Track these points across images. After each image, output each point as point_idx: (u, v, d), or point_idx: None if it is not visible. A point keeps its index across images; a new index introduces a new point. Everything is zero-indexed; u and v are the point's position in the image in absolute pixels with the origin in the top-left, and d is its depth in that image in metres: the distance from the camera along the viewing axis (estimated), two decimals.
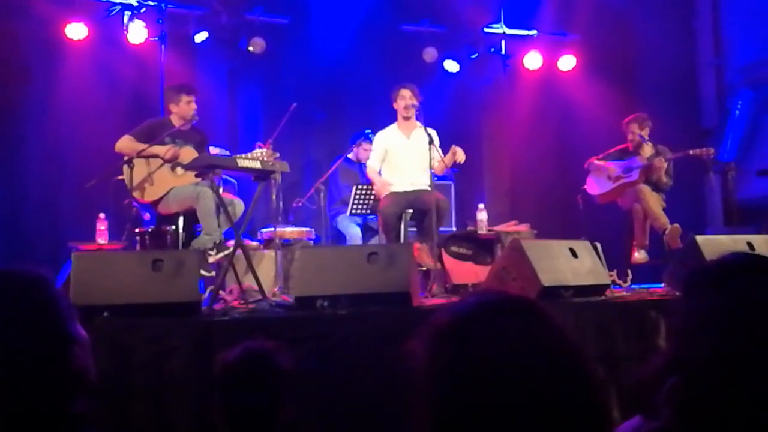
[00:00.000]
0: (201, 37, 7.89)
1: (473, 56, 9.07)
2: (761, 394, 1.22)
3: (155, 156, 5.59)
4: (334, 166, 7.11)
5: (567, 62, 9.19)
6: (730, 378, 1.24)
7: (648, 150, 6.95)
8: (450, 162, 6.04)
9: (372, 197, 6.54)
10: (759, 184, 8.83)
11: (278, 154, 5.10)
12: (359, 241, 6.81)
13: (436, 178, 5.86)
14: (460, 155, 5.98)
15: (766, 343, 1.24)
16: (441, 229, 6.20)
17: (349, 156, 7.36)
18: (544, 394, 1.07)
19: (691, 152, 6.74)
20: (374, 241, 6.74)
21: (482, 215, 6.73)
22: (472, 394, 1.08)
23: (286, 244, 6.09)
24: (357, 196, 6.60)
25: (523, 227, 6.75)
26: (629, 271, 5.94)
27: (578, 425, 1.08)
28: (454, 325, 1.15)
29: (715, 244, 4.93)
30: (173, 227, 5.67)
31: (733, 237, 5.41)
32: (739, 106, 8.93)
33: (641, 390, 1.42)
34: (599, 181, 7.13)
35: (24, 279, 1.50)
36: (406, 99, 6.16)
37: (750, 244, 5.01)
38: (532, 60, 9.16)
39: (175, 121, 5.80)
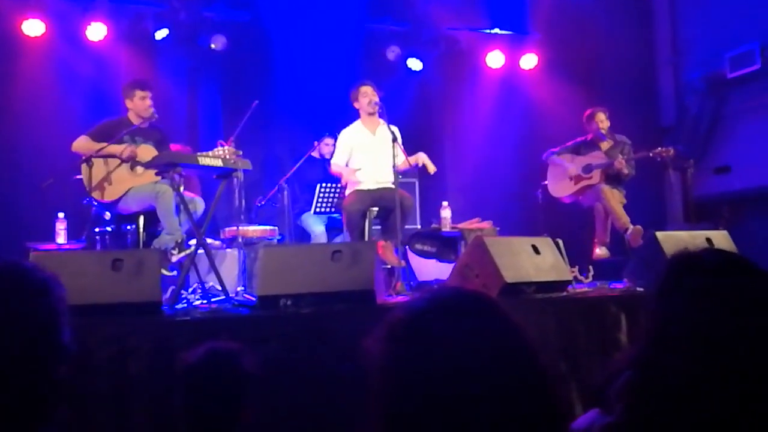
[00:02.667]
0: (161, 34, 7.79)
1: (436, 55, 9.09)
2: (722, 396, 1.23)
3: (112, 155, 5.49)
4: (298, 164, 7.07)
5: (529, 61, 9.27)
6: (695, 379, 1.25)
7: (607, 144, 7.04)
8: (414, 162, 6.05)
9: (336, 195, 6.52)
10: (717, 181, 8.99)
11: (241, 152, 5.06)
12: (324, 240, 6.78)
13: (400, 176, 5.86)
14: (430, 167, 6.03)
15: (737, 348, 1.25)
16: (406, 226, 6.21)
17: (313, 154, 7.33)
18: (497, 389, 1.07)
19: (651, 154, 6.84)
20: (339, 239, 6.72)
21: (446, 213, 6.75)
22: (424, 390, 1.08)
23: (250, 242, 6.05)
24: (321, 195, 6.58)
25: (486, 224, 6.79)
26: (591, 267, 6.01)
27: (532, 421, 1.09)
28: (408, 322, 1.15)
29: (674, 240, 5.00)
30: (133, 226, 5.60)
31: (692, 233, 5.50)
32: (696, 105, 9.07)
33: (601, 384, 1.43)
34: (560, 181, 7.19)
35: (35, 281, 1.47)
36: (369, 95, 6.15)
37: (709, 240, 5.10)
38: (495, 59, 9.22)
39: (133, 118, 5.70)
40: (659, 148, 6.81)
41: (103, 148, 5.40)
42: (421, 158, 6.10)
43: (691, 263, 1.39)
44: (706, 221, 8.30)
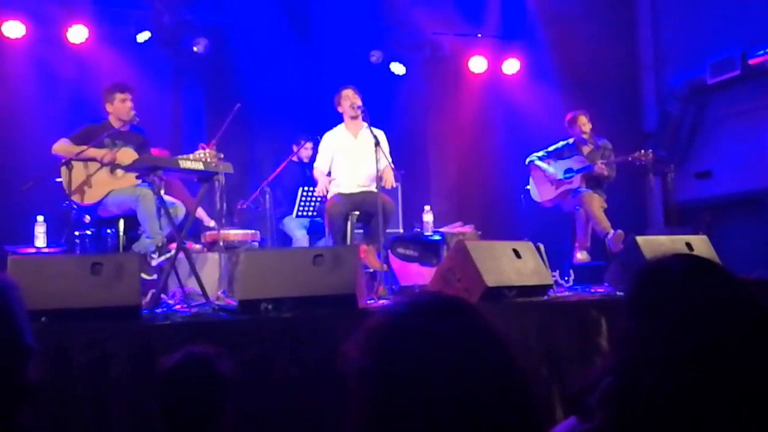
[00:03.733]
0: (143, 37, 7.75)
1: (419, 59, 9.10)
2: (698, 401, 1.24)
3: (92, 159, 5.45)
4: (280, 168, 7.05)
5: (511, 66, 9.32)
6: (670, 387, 1.25)
7: (588, 148, 7.08)
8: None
9: (318, 199, 6.51)
10: (697, 186, 9.06)
11: (222, 155, 5.04)
12: (306, 244, 6.77)
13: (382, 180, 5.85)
14: (388, 181, 5.90)
15: (709, 354, 1.26)
16: (387, 231, 6.19)
17: (293, 158, 7.31)
18: (475, 394, 1.07)
19: (630, 158, 6.88)
20: (321, 243, 6.70)
21: (428, 217, 6.76)
22: (402, 395, 1.08)
23: (231, 246, 6.02)
24: (303, 199, 6.56)
25: (468, 228, 6.80)
26: (571, 272, 6.03)
27: (510, 426, 1.09)
28: (387, 326, 1.15)
29: (655, 244, 5.03)
30: (113, 230, 5.56)
31: (672, 237, 5.53)
32: (678, 110, 9.14)
33: (577, 392, 1.43)
34: (542, 185, 7.22)
35: None
36: (350, 98, 6.13)
37: (689, 245, 5.13)
38: (477, 64, 9.26)
39: (114, 122, 5.66)
40: (638, 152, 6.85)
41: (83, 151, 5.37)
42: (386, 176, 5.97)
43: (659, 271, 1.40)
44: (686, 226, 8.36)
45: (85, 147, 5.38)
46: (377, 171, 5.68)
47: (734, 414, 1.23)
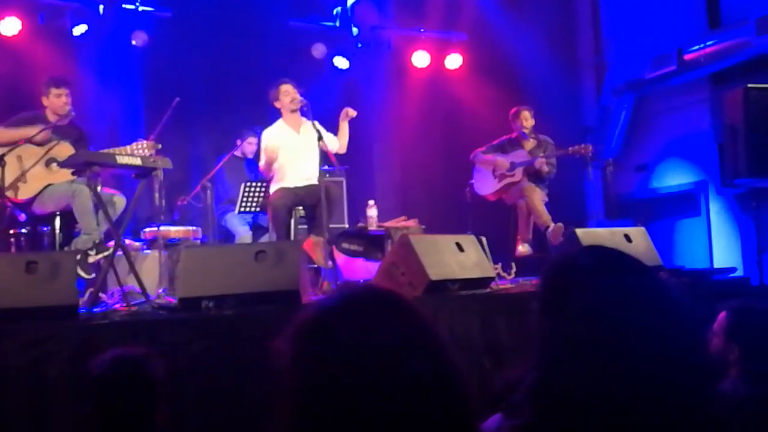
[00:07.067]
0: (79, 30, 7.57)
1: (363, 53, 9.10)
2: (616, 390, 1.25)
3: (27, 140, 5.27)
4: (221, 164, 6.96)
5: (454, 61, 9.38)
6: (586, 380, 1.27)
7: (530, 144, 7.16)
8: (344, 123, 6.03)
9: (261, 194, 6.45)
10: (636, 179, 9.25)
11: (160, 146, 4.96)
12: (249, 240, 6.69)
13: (326, 175, 5.83)
14: (351, 111, 6.02)
15: (619, 348, 1.27)
16: (332, 225, 6.17)
17: (236, 153, 7.23)
18: (404, 386, 1.07)
19: (570, 150, 6.98)
20: (265, 239, 6.64)
21: (372, 212, 6.76)
22: (331, 389, 1.08)
23: (172, 243, 5.93)
24: (245, 194, 6.48)
25: (412, 223, 6.83)
26: (513, 264, 6.10)
27: (440, 417, 1.09)
28: (316, 320, 1.15)
29: (593, 236, 5.13)
30: (50, 228, 5.42)
31: (611, 229, 5.65)
32: (617, 105, 9.31)
33: (500, 390, 1.44)
34: (486, 179, 7.28)
35: None
36: (291, 93, 6.08)
37: (627, 236, 5.24)
38: (420, 59, 9.30)
39: (50, 115, 5.52)
40: (577, 146, 6.96)
41: (19, 139, 5.22)
42: (344, 113, 6.11)
43: (565, 267, 1.40)
44: (625, 218, 8.53)
45: (17, 130, 5.23)
46: (323, 166, 5.67)
47: (647, 403, 1.24)
